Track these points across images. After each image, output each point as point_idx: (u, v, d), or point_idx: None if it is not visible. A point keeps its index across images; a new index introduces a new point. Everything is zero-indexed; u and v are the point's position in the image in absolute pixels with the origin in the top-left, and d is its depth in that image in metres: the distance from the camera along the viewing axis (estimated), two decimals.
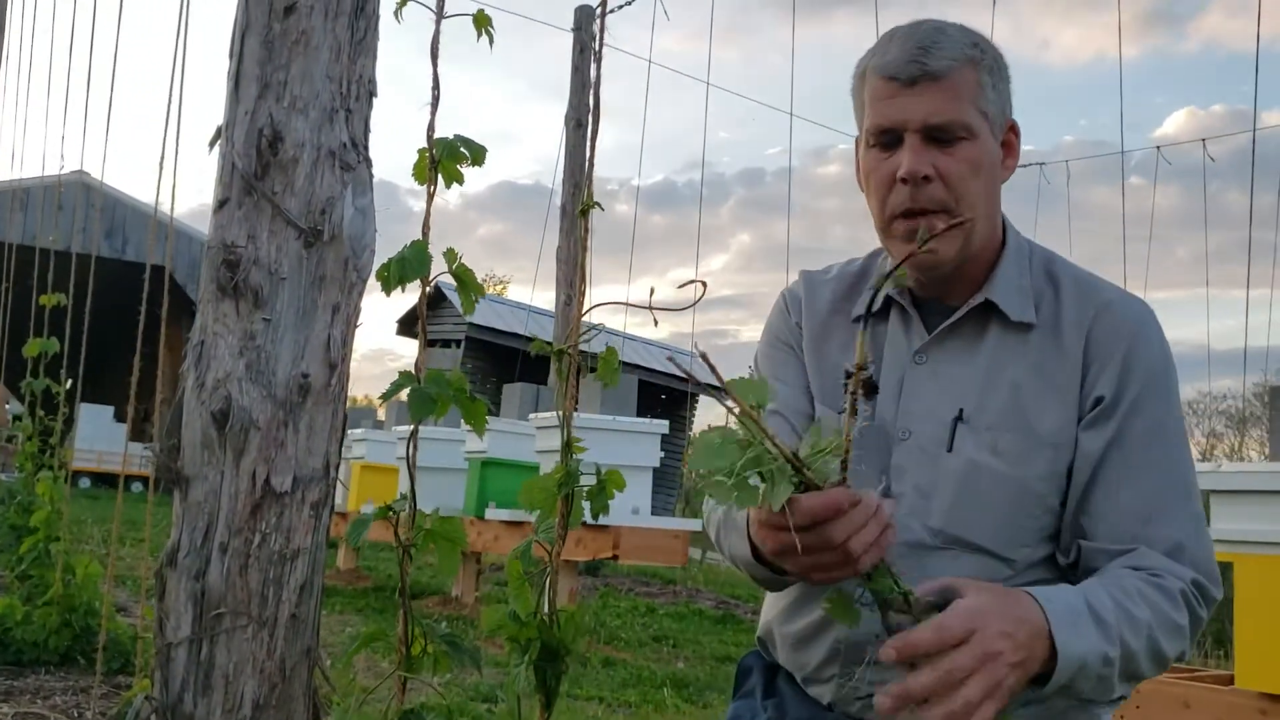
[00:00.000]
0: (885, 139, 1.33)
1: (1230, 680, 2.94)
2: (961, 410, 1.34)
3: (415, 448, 1.10)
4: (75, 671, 3.59)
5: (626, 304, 0.95)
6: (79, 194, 7.53)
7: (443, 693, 1.26)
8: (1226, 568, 3.31)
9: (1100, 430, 1.31)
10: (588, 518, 0.99)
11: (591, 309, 0.97)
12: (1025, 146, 1.42)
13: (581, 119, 13.24)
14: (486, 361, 22.25)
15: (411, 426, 4.85)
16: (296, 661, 2.46)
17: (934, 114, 1.30)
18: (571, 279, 13.40)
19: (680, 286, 0.88)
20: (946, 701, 1.00)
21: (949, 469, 1.33)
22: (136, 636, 3.50)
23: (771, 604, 1.47)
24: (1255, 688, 2.81)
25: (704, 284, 0.89)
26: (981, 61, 1.33)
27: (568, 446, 0.98)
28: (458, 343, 22.65)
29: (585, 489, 0.99)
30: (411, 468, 1.11)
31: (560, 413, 0.97)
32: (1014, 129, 1.38)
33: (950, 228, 1.22)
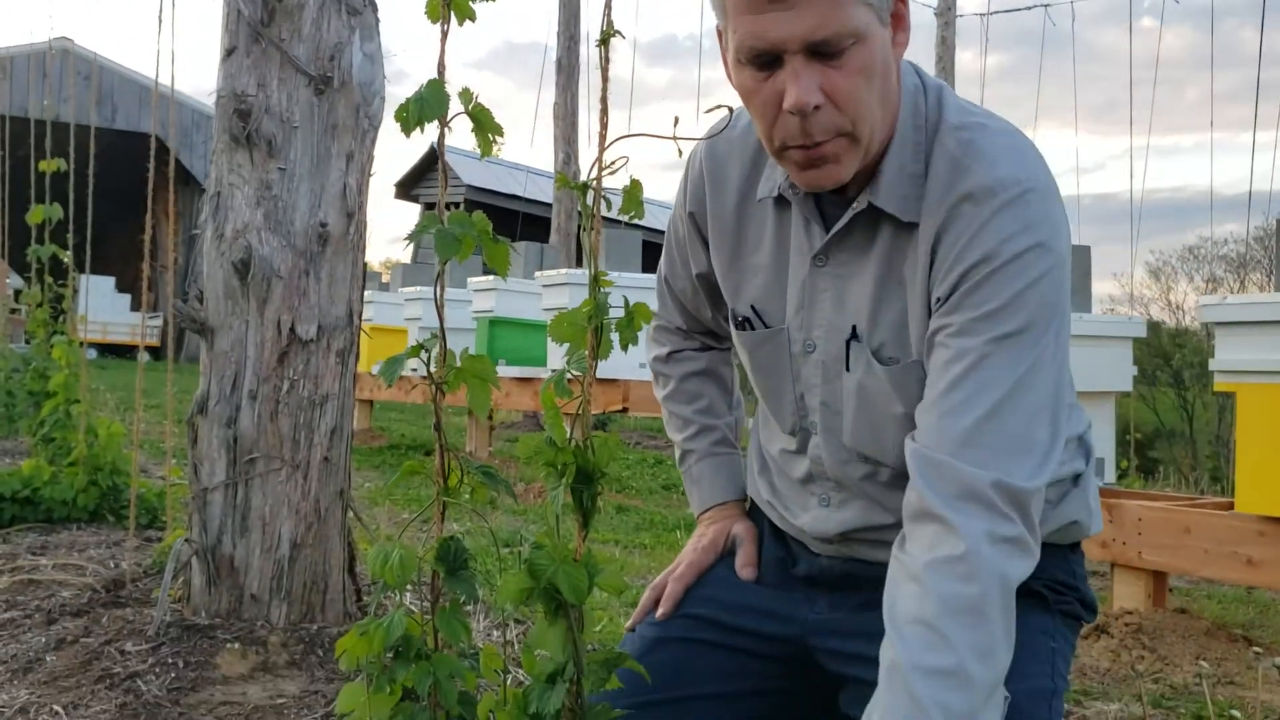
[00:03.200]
0: (760, 60, 1.15)
1: (1230, 506, 3.03)
2: (855, 327, 1.28)
3: (443, 289, 1.12)
4: (105, 527, 3.70)
5: (651, 135, 0.96)
6: (65, 62, 7.37)
7: (484, 519, 1.31)
8: (1229, 397, 3.36)
9: (937, 332, 1.19)
10: (617, 349, 1.01)
11: (615, 141, 0.98)
12: None
13: None
14: None
15: (417, 288, 4.88)
16: (330, 502, 2.55)
17: (816, 29, 1.11)
18: (569, 136, 13.18)
19: (707, 111, 0.89)
20: None
21: (847, 389, 1.30)
22: (163, 492, 3.60)
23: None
24: (1254, 511, 2.89)
25: (730, 109, 0.89)
26: None
27: (595, 280, 0.99)
28: (456, 205, 22.50)
29: (614, 320, 1.01)
30: (439, 307, 1.13)
31: (588, 258, 0.98)
32: None
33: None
